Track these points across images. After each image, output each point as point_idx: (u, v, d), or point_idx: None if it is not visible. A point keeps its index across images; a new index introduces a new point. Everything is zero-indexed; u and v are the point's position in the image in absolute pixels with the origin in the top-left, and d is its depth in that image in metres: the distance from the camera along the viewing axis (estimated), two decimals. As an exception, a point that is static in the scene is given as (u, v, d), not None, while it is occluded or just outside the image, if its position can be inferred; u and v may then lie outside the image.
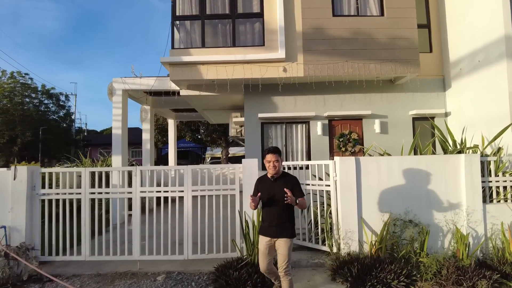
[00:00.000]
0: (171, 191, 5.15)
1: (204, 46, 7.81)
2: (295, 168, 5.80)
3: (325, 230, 5.15)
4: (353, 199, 4.96)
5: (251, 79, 7.74)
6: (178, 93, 8.86)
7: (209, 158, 32.09)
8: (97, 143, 38.40)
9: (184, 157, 37.72)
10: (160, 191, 5.17)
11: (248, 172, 5.03)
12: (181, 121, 30.29)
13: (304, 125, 8.68)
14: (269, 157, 3.59)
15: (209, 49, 7.75)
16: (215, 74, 7.64)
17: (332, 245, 5.06)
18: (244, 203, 5.02)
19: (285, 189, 3.41)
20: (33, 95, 31.93)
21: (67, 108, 35.48)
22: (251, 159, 5.08)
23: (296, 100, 8.58)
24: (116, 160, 8.64)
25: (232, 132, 10.96)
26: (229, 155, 28.29)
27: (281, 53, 7.55)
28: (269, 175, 3.68)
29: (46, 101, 33.25)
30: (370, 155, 5.90)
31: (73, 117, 37.37)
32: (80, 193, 5.15)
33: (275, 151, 3.60)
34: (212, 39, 7.99)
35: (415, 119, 8.63)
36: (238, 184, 5.10)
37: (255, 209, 3.70)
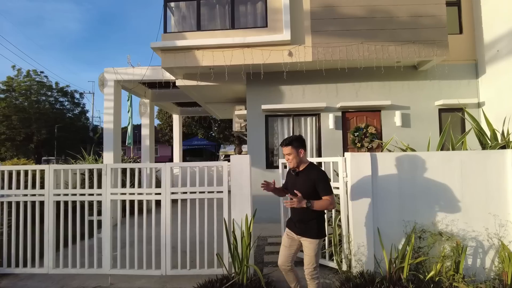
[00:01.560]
0: (147, 194, 4.32)
1: (200, 29, 6.95)
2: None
3: (333, 243, 4.20)
4: (367, 204, 3.99)
5: (252, 65, 6.82)
6: (174, 83, 8.05)
7: (223, 155, 31.46)
8: (114, 141, 38.41)
9: (198, 155, 37.23)
10: (133, 193, 4.35)
11: (237, 171, 4.13)
12: (193, 118, 29.72)
13: (314, 117, 7.71)
14: (283, 150, 3.25)
15: (204, 32, 6.89)
16: (212, 60, 6.77)
17: (341, 261, 4.12)
18: (232, 208, 4.13)
19: (295, 190, 3.01)
20: (49, 93, 32.12)
21: (81, 105, 35.58)
22: (241, 155, 4.18)
23: (304, 89, 7.61)
24: (108, 157, 7.93)
25: (235, 127, 10.09)
26: (242, 153, 27.50)
27: (286, 35, 6.60)
28: None
29: (61, 99, 33.40)
30: (390, 151, 4.89)
31: (88, 114, 37.46)
32: (43, 195, 4.40)
33: (288, 143, 3.18)
34: (208, 21, 7.13)
35: (442, 110, 7.52)
36: (227, 185, 4.22)
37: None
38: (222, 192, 4.21)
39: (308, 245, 3.09)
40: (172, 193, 4.25)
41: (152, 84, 9.33)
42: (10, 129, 28.36)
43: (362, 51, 6.72)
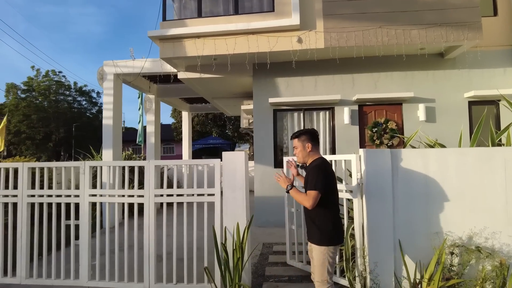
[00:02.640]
0: (128, 196, 3.78)
1: (201, 16, 6.39)
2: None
3: (344, 257, 3.51)
4: (386, 212, 3.30)
5: (257, 53, 6.19)
6: (176, 77, 7.53)
7: (238, 154, 30.81)
8: (131, 140, 38.59)
9: (214, 154, 36.83)
10: (114, 195, 3.82)
11: (230, 170, 3.52)
12: (207, 116, 29.38)
13: (327, 112, 7.01)
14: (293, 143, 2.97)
15: (205, 19, 6.32)
16: (213, 49, 6.19)
17: (354, 279, 3.44)
18: (224, 213, 3.52)
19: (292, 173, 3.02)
20: (67, 93, 32.58)
21: (99, 105, 35.89)
22: (235, 152, 3.57)
23: (316, 80, 6.92)
24: (107, 154, 7.49)
25: (243, 123, 9.49)
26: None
27: (294, 19, 5.93)
28: None
29: (79, 98, 33.82)
30: (413, 147, 4.17)
31: (105, 113, 37.72)
32: (16, 196, 3.94)
33: (296, 136, 2.90)
34: (210, 7, 6.55)
35: (472, 103, 6.67)
36: (219, 186, 3.61)
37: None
38: (213, 195, 3.61)
39: (313, 252, 2.70)
40: (157, 195, 3.68)
41: (157, 79, 8.85)
42: (30, 128, 28.88)
43: (381, 36, 5.97)
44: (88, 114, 34.68)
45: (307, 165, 2.86)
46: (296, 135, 2.91)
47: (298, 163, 2.98)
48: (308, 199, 2.55)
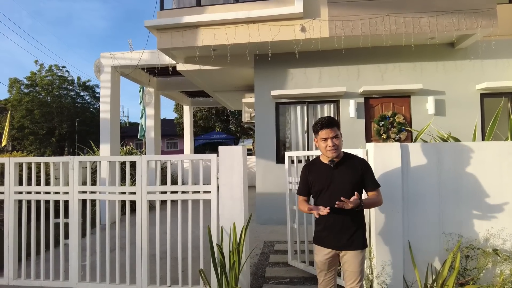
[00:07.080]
0: (120, 193, 3.57)
1: (199, 4, 6.13)
2: (299, 161, 4.01)
3: (348, 259, 3.28)
4: (395, 211, 3.04)
5: (258, 43, 5.92)
6: (174, 69, 7.28)
7: (241, 149, 30.58)
8: (135, 135, 38.49)
9: (217, 149, 36.53)
10: (104, 192, 3.60)
11: (227, 166, 3.28)
12: (210, 111, 29.14)
13: (332, 105, 6.74)
14: (324, 133, 2.38)
15: (204, 7, 6.05)
16: (213, 39, 5.93)
17: (359, 283, 3.20)
18: (221, 213, 3.30)
19: (342, 198, 2.20)
20: (70, 88, 32.47)
21: (102, 100, 35.70)
22: (232, 147, 3.33)
23: (321, 72, 6.64)
24: (104, 149, 7.29)
25: (245, 117, 9.24)
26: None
27: (297, 7, 5.64)
28: (325, 160, 2.50)
29: (82, 93, 33.70)
30: (425, 141, 3.90)
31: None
32: (3, 192, 3.74)
33: (332, 123, 2.40)
34: (210, -4, 6.29)
35: (485, 95, 6.36)
36: (215, 183, 3.37)
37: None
38: (209, 192, 3.37)
39: (354, 259, 2.40)
40: (150, 192, 3.46)
41: (156, 72, 8.62)
42: (33, 123, 28.84)
43: (389, 24, 5.66)
44: (91, 109, 34.58)
45: (338, 159, 2.44)
46: (332, 122, 2.40)
47: (333, 159, 2.41)
48: (381, 197, 2.51)
